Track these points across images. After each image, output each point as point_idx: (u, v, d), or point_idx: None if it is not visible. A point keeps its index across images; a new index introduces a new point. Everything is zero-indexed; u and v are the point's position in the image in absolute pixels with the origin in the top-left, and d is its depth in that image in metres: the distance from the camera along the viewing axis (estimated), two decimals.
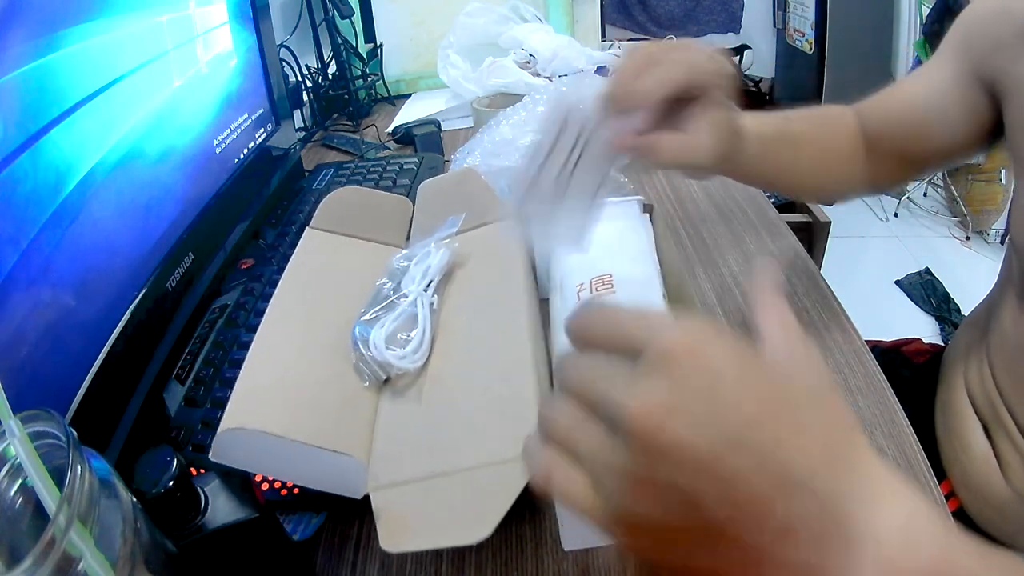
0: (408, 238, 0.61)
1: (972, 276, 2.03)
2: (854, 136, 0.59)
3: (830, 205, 0.63)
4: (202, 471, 0.38)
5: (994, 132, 0.54)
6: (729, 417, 0.22)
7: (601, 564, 0.42)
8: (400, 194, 0.65)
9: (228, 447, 0.38)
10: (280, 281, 0.51)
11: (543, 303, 0.52)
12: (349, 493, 0.40)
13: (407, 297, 0.49)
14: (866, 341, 0.58)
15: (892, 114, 0.58)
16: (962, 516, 0.58)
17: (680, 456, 0.22)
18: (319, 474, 0.40)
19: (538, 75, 1.13)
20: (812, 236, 1.22)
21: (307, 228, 0.58)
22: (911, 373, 0.71)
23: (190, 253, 0.62)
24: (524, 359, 0.42)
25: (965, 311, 1.81)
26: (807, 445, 0.22)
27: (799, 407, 0.23)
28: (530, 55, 1.15)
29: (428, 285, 0.50)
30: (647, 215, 0.57)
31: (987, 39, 0.52)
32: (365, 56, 1.30)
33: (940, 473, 0.61)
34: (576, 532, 0.42)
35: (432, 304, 0.49)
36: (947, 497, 0.59)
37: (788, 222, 0.78)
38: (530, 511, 0.45)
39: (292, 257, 0.54)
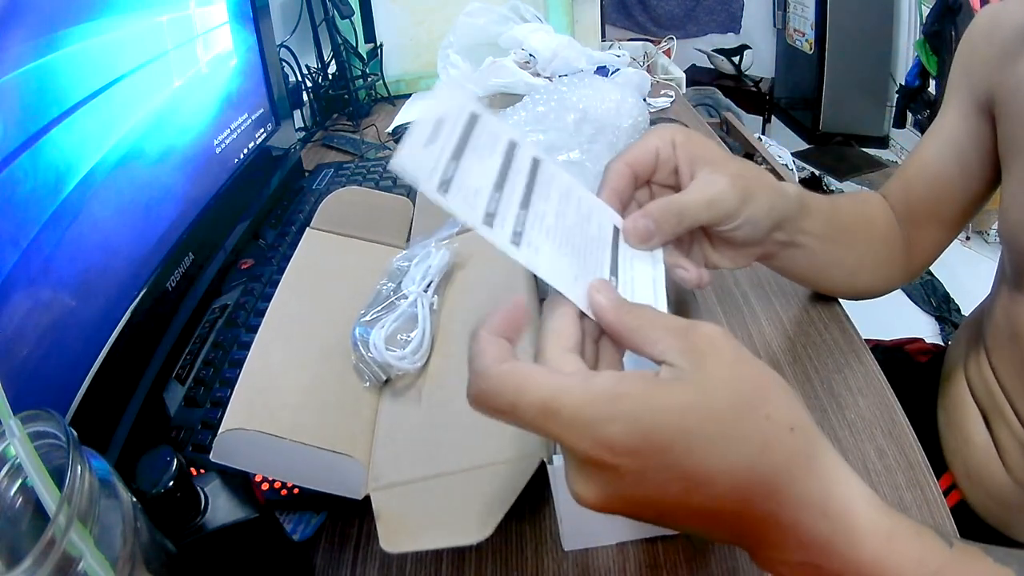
0: (408, 239, 0.61)
1: (972, 276, 2.02)
2: (890, 221, 0.59)
3: (860, 299, 0.61)
4: (202, 471, 0.38)
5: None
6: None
7: (601, 564, 0.42)
8: (400, 194, 0.65)
9: (229, 448, 0.38)
10: (280, 281, 0.51)
11: (543, 303, 0.52)
12: (349, 493, 0.40)
13: (407, 298, 0.49)
14: (867, 341, 0.58)
15: (914, 179, 0.58)
16: (963, 509, 0.58)
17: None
18: (319, 474, 0.40)
19: (538, 75, 1.12)
20: None
21: (307, 228, 0.58)
22: (914, 372, 0.72)
23: (190, 253, 0.62)
24: None
25: (965, 311, 1.81)
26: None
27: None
28: (530, 55, 1.15)
29: (428, 286, 0.50)
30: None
31: (981, 60, 0.53)
32: (365, 56, 1.30)
33: (942, 468, 0.61)
34: (576, 532, 0.42)
35: (432, 305, 0.49)
36: (949, 490, 0.59)
37: None
38: (530, 511, 0.45)
39: (292, 257, 0.54)
